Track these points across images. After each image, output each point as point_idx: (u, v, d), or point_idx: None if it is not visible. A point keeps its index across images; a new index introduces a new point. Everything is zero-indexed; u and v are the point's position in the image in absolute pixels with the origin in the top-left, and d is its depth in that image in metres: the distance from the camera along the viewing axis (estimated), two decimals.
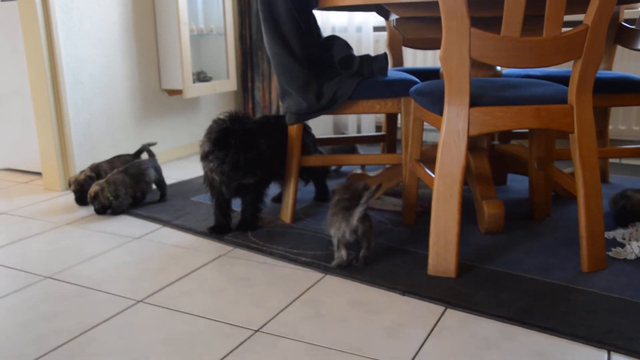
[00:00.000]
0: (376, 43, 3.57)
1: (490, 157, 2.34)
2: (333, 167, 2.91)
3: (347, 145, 2.82)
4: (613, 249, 1.78)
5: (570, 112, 1.61)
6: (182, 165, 3.18)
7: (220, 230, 2.04)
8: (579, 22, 1.77)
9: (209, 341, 1.36)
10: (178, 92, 3.22)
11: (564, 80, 2.20)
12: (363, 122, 3.70)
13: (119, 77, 2.94)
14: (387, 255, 1.80)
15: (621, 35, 2.45)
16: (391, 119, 2.76)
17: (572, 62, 1.62)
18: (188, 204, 2.40)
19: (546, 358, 1.26)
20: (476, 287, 1.57)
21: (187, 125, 3.42)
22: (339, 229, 1.67)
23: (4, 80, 2.95)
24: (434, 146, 2.34)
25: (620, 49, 2.99)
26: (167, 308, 1.53)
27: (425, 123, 3.01)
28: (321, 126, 3.71)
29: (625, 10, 2.92)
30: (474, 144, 2.15)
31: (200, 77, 3.34)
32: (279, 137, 2.14)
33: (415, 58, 3.50)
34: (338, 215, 1.68)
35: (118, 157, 2.60)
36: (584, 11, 1.73)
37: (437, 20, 1.99)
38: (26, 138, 2.95)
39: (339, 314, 1.47)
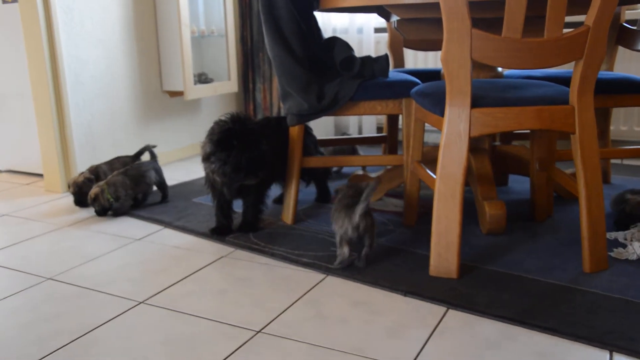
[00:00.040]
0: (377, 44, 3.57)
1: (491, 158, 2.34)
2: (334, 169, 2.91)
3: (347, 146, 2.82)
4: (615, 250, 1.78)
5: (572, 113, 1.61)
6: (183, 166, 3.18)
7: (221, 232, 2.04)
8: (580, 23, 1.77)
9: (211, 342, 1.36)
10: (179, 93, 3.23)
11: (565, 81, 2.20)
12: (364, 123, 3.70)
13: (120, 79, 2.94)
14: (388, 256, 1.80)
15: (622, 36, 2.45)
16: (392, 120, 2.76)
17: (573, 63, 1.62)
18: (189, 206, 2.40)
19: (548, 358, 1.26)
20: (478, 288, 1.57)
21: (188, 126, 3.42)
22: (341, 226, 1.68)
23: (6, 81, 2.96)
24: (435, 147, 2.34)
25: (621, 50, 2.99)
26: (169, 309, 1.53)
27: (426, 124, 3.01)
28: (322, 127, 3.71)
29: (627, 11, 2.92)
30: (475, 145, 2.15)
31: (202, 78, 3.35)
32: (280, 138, 2.15)
33: (416, 59, 3.51)
34: (341, 212, 1.69)
35: (117, 159, 2.60)
36: (585, 12, 1.73)
37: (438, 21, 2.00)
38: (27, 139, 2.96)
39: (340, 314, 1.47)
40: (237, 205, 2.11)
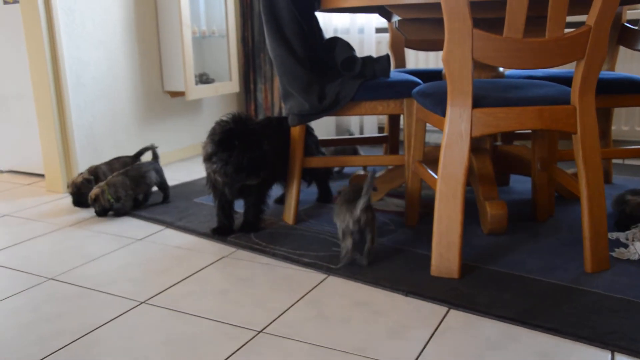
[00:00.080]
0: (378, 44, 3.57)
1: (493, 158, 2.34)
2: (336, 169, 2.91)
3: (348, 146, 2.82)
4: (616, 250, 1.78)
5: (573, 113, 1.61)
6: (184, 166, 3.18)
7: (223, 232, 2.04)
8: (582, 23, 1.77)
9: (212, 342, 1.36)
10: (180, 94, 3.23)
11: (566, 81, 2.20)
12: (365, 123, 3.70)
13: (122, 79, 2.94)
14: (389, 256, 1.80)
15: (624, 36, 2.45)
16: (394, 120, 2.76)
17: (574, 63, 1.62)
18: (191, 206, 2.40)
19: (549, 358, 1.26)
20: (479, 288, 1.57)
21: (189, 127, 3.42)
22: (343, 220, 1.70)
23: (7, 82, 2.96)
24: (437, 147, 2.33)
25: (623, 50, 2.99)
26: (170, 309, 1.53)
27: (427, 124, 3.01)
28: (323, 127, 3.71)
29: (628, 11, 2.92)
30: (476, 145, 2.15)
31: (203, 79, 3.35)
32: (282, 138, 2.15)
33: (417, 59, 3.51)
34: (342, 207, 1.71)
35: (117, 159, 2.59)
36: (586, 12, 1.73)
37: (440, 21, 2.00)
38: (29, 140, 2.96)
39: (342, 314, 1.47)
40: (239, 206, 2.11)
